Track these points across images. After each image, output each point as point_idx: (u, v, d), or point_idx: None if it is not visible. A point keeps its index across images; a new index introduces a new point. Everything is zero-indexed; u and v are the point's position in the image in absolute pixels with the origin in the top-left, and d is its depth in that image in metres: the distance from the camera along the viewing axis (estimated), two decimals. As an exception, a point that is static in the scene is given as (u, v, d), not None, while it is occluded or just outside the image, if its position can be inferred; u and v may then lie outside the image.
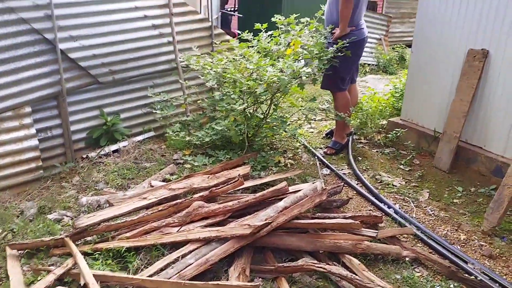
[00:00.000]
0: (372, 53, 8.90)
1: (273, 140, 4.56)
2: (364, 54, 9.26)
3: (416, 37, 4.41)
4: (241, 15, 9.03)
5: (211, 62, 4.22)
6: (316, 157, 4.33)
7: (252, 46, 4.30)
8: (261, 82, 3.74)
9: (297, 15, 4.30)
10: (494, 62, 3.75)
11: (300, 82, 4.06)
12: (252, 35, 4.41)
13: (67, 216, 3.21)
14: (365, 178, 3.92)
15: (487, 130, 3.90)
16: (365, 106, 4.89)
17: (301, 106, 4.79)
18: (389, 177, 3.99)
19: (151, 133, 4.71)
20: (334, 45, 4.07)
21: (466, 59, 3.91)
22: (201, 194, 3.03)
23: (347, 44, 4.04)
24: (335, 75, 4.27)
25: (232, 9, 10.56)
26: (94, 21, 4.12)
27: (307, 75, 3.78)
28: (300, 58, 4.06)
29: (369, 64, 8.79)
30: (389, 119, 4.83)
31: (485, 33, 3.78)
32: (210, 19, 5.16)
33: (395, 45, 9.53)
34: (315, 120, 5.50)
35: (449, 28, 4.05)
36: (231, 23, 9.88)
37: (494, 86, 3.79)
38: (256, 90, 3.70)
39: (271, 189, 3.03)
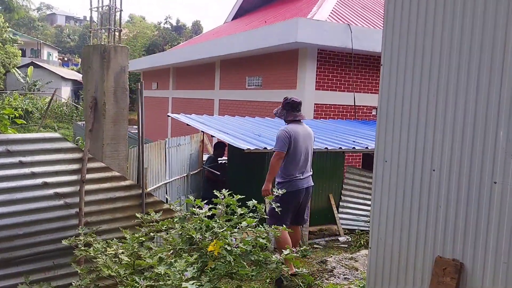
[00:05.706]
0: (367, 220, 7.75)
1: None
2: (362, 219, 8.22)
3: (372, 232, 3.32)
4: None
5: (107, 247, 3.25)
6: None
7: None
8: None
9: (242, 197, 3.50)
10: (472, 280, 2.58)
11: None
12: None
13: None
14: None
15: None
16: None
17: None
18: None
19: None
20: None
21: (434, 272, 2.74)
22: None
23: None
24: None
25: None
26: (-34, 191, 3.39)
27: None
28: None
29: (367, 233, 7.59)
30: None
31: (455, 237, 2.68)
32: (141, 186, 4.37)
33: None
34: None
35: (409, 226, 2.97)
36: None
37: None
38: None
39: None
